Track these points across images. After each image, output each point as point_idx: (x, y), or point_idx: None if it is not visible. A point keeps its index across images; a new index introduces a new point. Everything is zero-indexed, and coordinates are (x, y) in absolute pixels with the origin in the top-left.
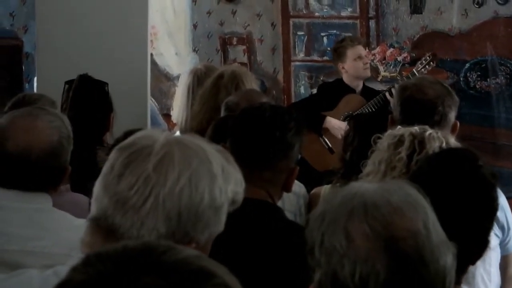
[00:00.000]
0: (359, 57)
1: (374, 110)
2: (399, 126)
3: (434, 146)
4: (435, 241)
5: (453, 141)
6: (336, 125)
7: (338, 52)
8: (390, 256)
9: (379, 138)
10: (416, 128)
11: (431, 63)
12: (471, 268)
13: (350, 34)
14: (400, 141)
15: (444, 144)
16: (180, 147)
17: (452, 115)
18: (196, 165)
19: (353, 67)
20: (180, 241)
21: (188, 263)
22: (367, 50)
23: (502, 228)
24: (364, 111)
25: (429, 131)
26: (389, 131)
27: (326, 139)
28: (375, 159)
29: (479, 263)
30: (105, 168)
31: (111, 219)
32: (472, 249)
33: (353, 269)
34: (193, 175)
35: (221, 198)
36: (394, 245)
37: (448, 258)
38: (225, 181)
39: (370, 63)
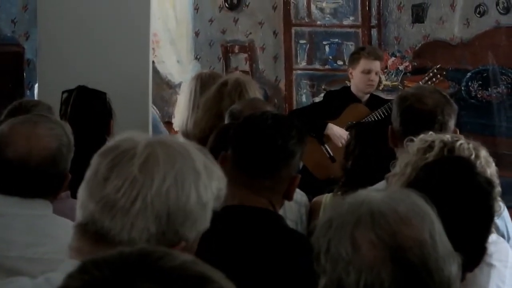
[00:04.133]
0: (368, 71)
1: (379, 119)
2: (430, 132)
3: (464, 153)
4: (441, 251)
5: (484, 153)
6: (337, 132)
7: (353, 57)
8: (396, 265)
9: (411, 140)
10: (448, 136)
11: (438, 76)
12: (484, 284)
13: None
14: (430, 147)
15: (473, 156)
16: (162, 147)
17: (452, 123)
18: (180, 164)
19: (358, 78)
20: (170, 240)
21: (184, 268)
22: None
23: (502, 237)
24: (368, 121)
25: (461, 141)
26: (422, 136)
27: (328, 148)
28: (403, 161)
29: (494, 279)
30: (88, 174)
31: (99, 223)
32: (469, 257)
33: (358, 277)
34: (178, 174)
35: (207, 195)
36: (400, 254)
37: (453, 269)
38: (209, 178)
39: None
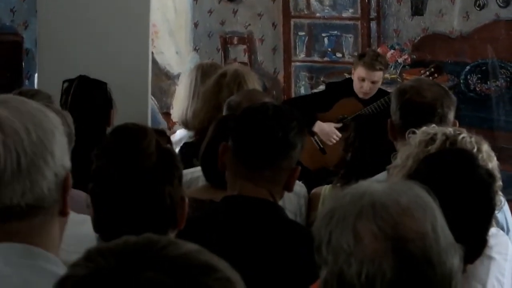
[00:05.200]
0: (363, 79)
1: (378, 112)
2: (433, 125)
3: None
4: (443, 243)
5: (486, 147)
6: (325, 130)
7: (355, 60)
8: (397, 257)
9: (413, 132)
10: (450, 130)
11: (435, 75)
12: (483, 276)
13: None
14: (432, 139)
15: (475, 150)
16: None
17: (451, 116)
18: (26, 110)
19: (355, 81)
20: (62, 177)
21: (189, 257)
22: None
23: (501, 229)
24: (368, 113)
25: (463, 134)
26: (424, 128)
27: (317, 140)
28: (404, 153)
29: (493, 272)
30: None
31: None
32: (470, 249)
33: (359, 269)
34: (33, 118)
35: (59, 124)
36: (401, 246)
37: (455, 261)
38: (48, 110)
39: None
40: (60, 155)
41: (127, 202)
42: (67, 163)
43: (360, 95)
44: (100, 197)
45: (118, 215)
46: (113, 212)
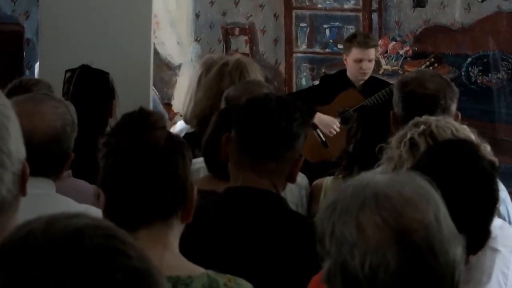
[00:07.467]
0: (360, 60)
1: (380, 103)
2: (410, 129)
3: (447, 136)
4: (446, 234)
5: (458, 124)
6: (325, 121)
7: (346, 45)
8: (401, 248)
9: (383, 147)
10: (422, 126)
11: (435, 65)
12: (488, 268)
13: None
14: (414, 144)
15: (454, 131)
16: None
17: (454, 107)
18: None
19: (351, 66)
20: (19, 172)
21: (51, 232)
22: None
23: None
24: (370, 104)
25: (434, 123)
26: (394, 138)
27: (320, 133)
28: (390, 165)
29: (498, 264)
30: None
31: None
32: (473, 240)
33: (363, 260)
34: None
35: (8, 103)
36: (405, 236)
37: (458, 251)
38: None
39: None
40: (16, 148)
41: (140, 176)
42: (23, 153)
43: (360, 78)
44: (112, 174)
45: (130, 192)
46: (125, 189)
